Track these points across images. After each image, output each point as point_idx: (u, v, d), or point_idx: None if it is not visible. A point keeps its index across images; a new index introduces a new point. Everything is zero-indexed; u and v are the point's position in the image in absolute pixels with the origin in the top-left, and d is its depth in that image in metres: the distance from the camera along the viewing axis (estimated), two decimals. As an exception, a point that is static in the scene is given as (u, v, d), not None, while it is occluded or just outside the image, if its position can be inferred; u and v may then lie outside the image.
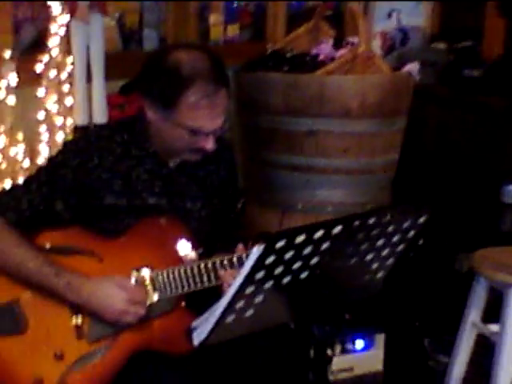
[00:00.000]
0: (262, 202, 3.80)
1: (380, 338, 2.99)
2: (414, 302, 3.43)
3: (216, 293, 2.18)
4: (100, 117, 3.69)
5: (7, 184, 3.52)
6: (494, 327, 2.88)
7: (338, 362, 2.80)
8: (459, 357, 2.97)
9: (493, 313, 2.89)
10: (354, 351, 2.95)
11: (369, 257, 2.04)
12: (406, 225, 2.03)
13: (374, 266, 2.09)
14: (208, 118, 2.22)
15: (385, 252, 2.06)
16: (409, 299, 3.38)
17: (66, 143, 2.40)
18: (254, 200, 3.80)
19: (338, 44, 3.83)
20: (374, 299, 2.25)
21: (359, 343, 2.96)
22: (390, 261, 2.11)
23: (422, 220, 2.05)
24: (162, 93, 2.21)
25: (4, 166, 3.60)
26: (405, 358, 3.22)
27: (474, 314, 2.93)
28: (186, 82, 2.19)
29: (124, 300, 2.16)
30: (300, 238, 1.82)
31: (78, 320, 2.21)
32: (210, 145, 2.27)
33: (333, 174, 3.66)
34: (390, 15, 4.75)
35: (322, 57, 3.76)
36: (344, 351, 2.89)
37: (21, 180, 2.34)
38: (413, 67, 3.85)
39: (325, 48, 3.80)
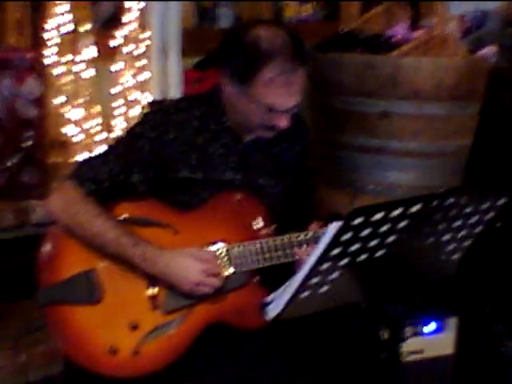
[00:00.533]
0: (333, 183, 3.80)
1: (452, 322, 2.97)
2: (488, 287, 3.38)
3: (289, 269, 2.19)
4: (175, 92, 3.72)
5: (83, 156, 3.58)
6: None
7: (409, 344, 2.78)
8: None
9: None
10: (425, 334, 2.94)
11: (445, 237, 2.02)
12: (484, 206, 2.01)
13: (451, 246, 2.07)
14: (283, 96, 2.22)
15: (462, 233, 2.04)
16: (482, 283, 3.34)
17: (144, 115, 2.42)
18: (324, 181, 3.80)
19: (413, 26, 3.79)
20: (448, 281, 2.24)
21: (430, 326, 2.94)
22: (467, 242, 2.09)
23: (500, 202, 2.03)
24: (240, 68, 2.22)
25: (80, 138, 3.66)
26: (476, 342, 3.18)
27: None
28: (265, 57, 2.19)
29: (199, 271, 2.18)
30: (378, 216, 1.81)
31: (153, 291, 2.23)
32: (283, 122, 2.27)
33: (404, 157, 3.64)
34: (466, -2, 4.68)
35: (396, 38, 3.74)
36: (415, 333, 2.88)
37: (99, 152, 2.36)
38: (489, 51, 3.80)
39: (400, 29, 3.77)
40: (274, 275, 2.23)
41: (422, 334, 2.93)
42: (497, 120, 4.30)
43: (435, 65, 3.56)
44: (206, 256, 2.22)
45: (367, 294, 2.11)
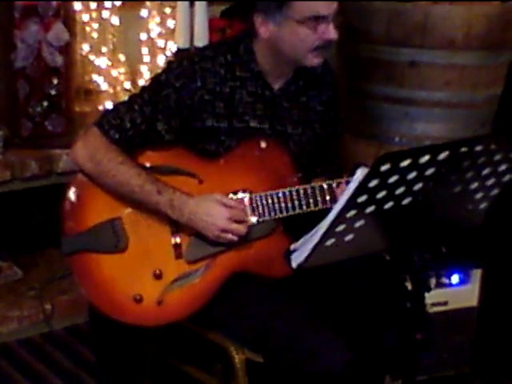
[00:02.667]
0: (360, 134, 3.76)
1: (476, 273, 2.95)
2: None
3: (314, 219, 2.17)
4: (201, 40, 3.68)
5: (108, 105, 3.57)
6: None
7: (433, 295, 2.77)
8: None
9: None
10: (450, 285, 2.92)
11: (473, 186, 1.99)
12: (513, 154, 1.97)
13: (478, 195, 2.04)
14: (326, 2, 2.19)
15: (490, 182, 2.01)
16: (509, 235, 3.31)
17: (169, 63, 2.40)
18: (351, 131, 3.76)
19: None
20: (474, 232, 2.21)
21: (455, 277, 2.92)
22: (495, 191, 2.05)
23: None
24: None
25: (106, 86, 3.65)
26: (501, 294, 3.17)
27: None
28: None
29: (225, 218, 2.18)
30: (405, 163, 1.78)
31: (176, 240, 2.23)
32: (332, 33, 2.22)
33: (433, 108, 3.59)
34: None
35: (427, -15, 3.66)
36: (439, 285, 2.87)
37: (124, 100, 2.35)
38: (522, -1, 3.71)
39: (430, -24, 3.69)
40: (298, 224, 2.22)
41: (446, 285, 2.91)
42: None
43: (466, 12, 3.49)
44: (231, 203, 2.21)
45: (393, 243, 2.09)
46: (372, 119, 3.70)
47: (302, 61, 2.28)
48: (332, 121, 2.51)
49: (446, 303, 2.94)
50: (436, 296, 2.86)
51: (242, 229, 2.20)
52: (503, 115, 3.80)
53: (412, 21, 3.48)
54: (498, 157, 1.94)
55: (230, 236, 2.19)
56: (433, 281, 2.81)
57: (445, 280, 2.89)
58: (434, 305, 2.86)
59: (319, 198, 2.25)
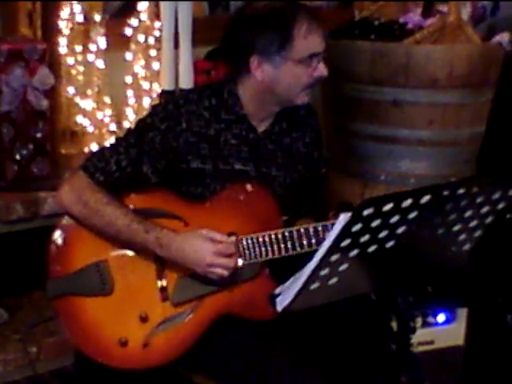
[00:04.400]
0: (345, 172, 3.79)
1: (462, 312, 2.96)
2: (499, 277, 3.37)
3: (300, 261, 2.17)
4: (186, 82, 3.71)
5: (94, 147, 3.58)
6: None
7: (419, 334, 2.76)
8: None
9: None
10: (436, 324, 2.93)
11: (456, 228, 2.00)
12: (495, 196, 1.99)
13: (461, 237, 2.05)
14: (320, 39, 2.26)
15: (473, 223, 2.02)
16: (493, 273, 3.33)
17: (154, 106, 2.42)
18: (336, 170, 3.79)
19: (426, 12, 3.76)
20: (458, 272, 2.22)
21: (441, 316, 2.93)
22: (478, 233, 2.07)
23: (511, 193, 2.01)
24: (274, 37, 2.23)
25: (91, 129, 3.66)
26: (486, 333, 3.17)
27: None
28: (290, 15, 2.22)
29: (212, 252, 2.18)
30: (388, 207, 1.80)
31: (163, 282, 2.24)
32: (325, 70, 2.29)
33: (417, 146, 3.63)
34: (481, -16, 4.65)
35: (410, 25, 3.71)
36: (425, 324, 2.88)
37: (109, 143, 2.36)
38: (503, 37, 3.77)
39: (413, 16, 3.75)
40: (284, 267, 2.22)
41: (432, 324, 2.92)
42: (510, 107, 4.27)
43: (448, 52, 3.55)
44: (218, 237, 2.22)
45: (378, 285, 2.10)
46: (357, 158, 3.74)
47: (293, 100, 2.32)
48: (316, 162, 2.53)
49: (432, 342, 2.95)
50: (422, 335, 2.87)
51: (230, 262, 2.20)
52: (487, 153, 3.83)
53: (395, 61, 3.53)
54: (480, 199, 1.96)
55: (219, 271, 2.19)
56: (419, 320, 2.81)
57: (431, 319, 2.90)
58: (420, 344, 2.87)
59: (305, 241, 2.26)
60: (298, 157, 2.45)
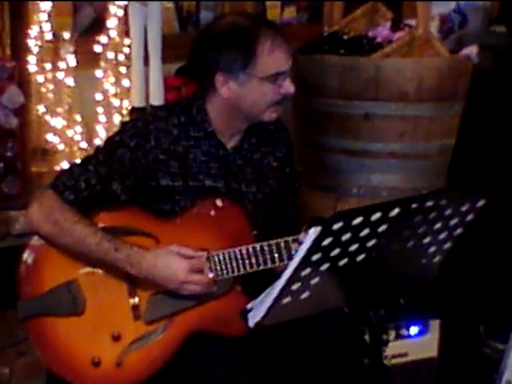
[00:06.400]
0: (317, 187, 3.79)
1: (435, 324, 2.97)
2: (471, 288, 3.39)
3: (272, 276, 2.17)
4: (156, 99, 3.71)
5: (65, 165, 3.57)
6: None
7: (393, 347, 2.78)
8: (516, 344, 2.93)
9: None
10: (409, 337, 2.94)
11: (426, 240, 2.02)
12: (463, 208, 2.00)
13: (431, 249, 2.06)
14: (285, 56, 2.26)
15: (442, 235, 2.04)
16: (465, 284, 3.35)
17: (123, 124, 2.41)
18: (308, 184, 3.79)
19: (395, 26, 3.79)
20: (430, 284, 2.23)
21: (414, 329, 2.94)
22: (447, 245, 2.08)
23: (480, 204, 2.02)
24: (237, 55, 2.23)
25: (62, 147, 3.65)
26: (460, 344, 3.18)
27: (532, 301, 2.89)
28: (253, 31, 2.23)
29: (184, 269, 2.18)
30: (357, 220, 1.80)
31: (135, 300, 2.22)
32: (291, 87, 2.28)
33: (388, 159, 3.65)
34: (449, -3, 4.70)
35: (379, 39, 3.74)
36: (398, 337, 2.88)
37: (79, 161, 2.36)
38: (471, 50, 3.80)
39: (382, 30, 3.77)
40: (256, 282, 2.22)
41: (405, 336, 2.93)
42: (480, 120, 4.30)
43: (417, 66, 3.57)
44: (190, 253, 2.21)
45: (350, 299, 2.10)
46: (329, 172, 3.74)
47: (260, 116, 2.32)
48: (288, 177, 2.53)
49: (405, 354, 2.96)
50: (396, 348, 2.87)
51: (203, 279, 2.20)
52: (457, 165, 3.85)
53: (365, 75, 3.55)
54: (448, 211, 1.97)
55: (192, 287, 2.19)
56: (392, 333, 2.82)
57: (404, 331, 2.91)
58: (393, 357, 2.87)
59: (276, 255, 2.26)
60: (269, 172, 2.45)
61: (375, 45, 3.71)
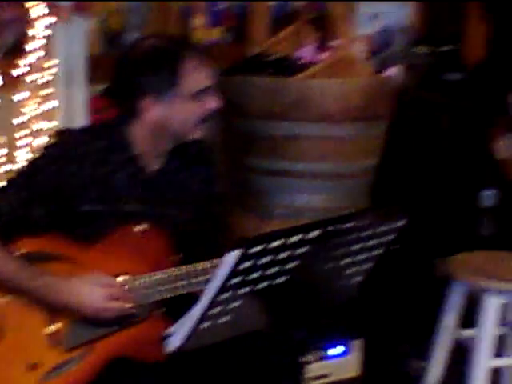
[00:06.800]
0: (243, 207, 3.80)
1: (357, 344, 2.99)
2: (392, 307, 3.43)
3: (193, 299, 2.17)
4: (81, 121, 3.67)
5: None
6: (469, 332, 2.88)
7: (315, 368, 2.79)
8: (435, 362, 2.97)
9: (469, 317, 2.88)
10: (331, 357, 2.95)
11: (345, 261, 2.04)
12: (382, 229, 2.03)
13: (351, 270, 2.09)
14: (208, 73, 2.28)
15: (361, 256, 2.06)
16: (386, 304, 3.39)
17: (46, 147, 2.38)
18: (234, 205, 3.80)
19: (320, 47, 3.83)
20: (351, 304, 2.25)
21: (336, 349, 2.95)
22: (367, 265, 2.11)
23: (398, 225, 2.05)
24: (162, 77, 2.23)
25: (-16, 170, 3.58)
26: (382, 363, 3.21)
27: (449, 319, 2.93)
28: (176, 52, 2.25)
29: (101, 297, 2.15)
30: (276, 243, 1.82)
31: (53, 327, 2.19)
32: (216, 101, 2.30)
33: (312, 179, 3.67)
34: (373, 18, 4.75)
35: (304, 60, 3.77)
36: (321, 357, 2.89)
37: (0, 184, 2.32)
38: (395, 71, 3.86)
39: (307, 51, 3.80)
40: (180, 305, 2.21)
41: (328, 357, 2.94)
42: (404, 139, 4.37)
43: (342, 86, 3.60)
44: (108, 281, 2.19)
45: (271, 321, 2.11)
46: (254, 192, 3.75)
47: (187, 135, 2.32)
48: (211, 199, 2.53)
49: (328, 375, 2.97)
50: (318, 369, 2.89)
51: (122, 305, 2.18)
52: (381, 184, 3.90)
53: (290, 95, 3.57)
54: (367, 232, 2.00)
55: (109, 314, 2.17)
56: (314, 354, 2.83)
57: (326, 352, 2.91)
58: (316, 378, 2.88)
59: (199, 279, 2.25)
60: (192, 194, 2.44)
61: (300, 66, 3.74)
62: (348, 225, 1.92)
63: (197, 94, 2.26)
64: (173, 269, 2.25)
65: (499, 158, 3.57)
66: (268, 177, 3.68)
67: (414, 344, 3.34)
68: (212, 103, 2.30)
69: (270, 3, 4.37)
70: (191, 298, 2.19)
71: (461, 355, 2.92)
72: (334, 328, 2.88)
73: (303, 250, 1.88)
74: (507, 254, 2.97)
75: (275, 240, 1.81)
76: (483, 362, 2.76)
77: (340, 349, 2.97)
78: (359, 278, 2.13)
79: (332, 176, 3.67)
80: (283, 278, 1.93)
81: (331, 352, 2.94)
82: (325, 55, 3.75)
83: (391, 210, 2.07)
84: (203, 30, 4.36)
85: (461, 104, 4.23)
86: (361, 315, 3.02)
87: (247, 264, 1.81)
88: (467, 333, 2.91)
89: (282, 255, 1.86)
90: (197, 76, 2.25)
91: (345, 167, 3.69)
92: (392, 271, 2.82)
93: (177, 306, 2.22)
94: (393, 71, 3.87)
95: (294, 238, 1.84)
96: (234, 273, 1.81)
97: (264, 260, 1.84)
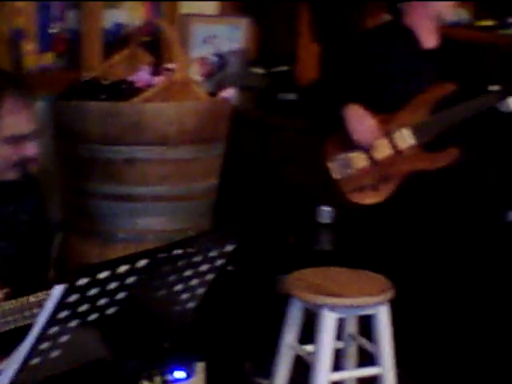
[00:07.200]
0: (83, 233, 3.75)
1: (200, 366, 3.00)
2: (234, 327, 3.46)
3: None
4: None
5: None
6: (310, 348, 2.94)
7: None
8: (278, 379, 3.01)
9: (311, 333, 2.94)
10: (175, 381, 2.94)
11: (177, 288, 2.04)
12: (212, 254, 2.05)
13: (184, 296, 2.10)
14: (26, 120, 2.24)
15: (193, 282, 2.07)
16: (228, 324, 3.41)
17: None
18: (74, 231, 3.75)
19: (155, 71, 3.83)
20: (191, 328, 2.26)
21: (179, 373, 2.95)
22: (200, 290, 2.13)
23: (228, 249, 2.08)
24: None
25: None
26: (226, 383, 3.24)
27: (290, 336, 2.98)
28: None
29: None
30: (103, 275, 1.80)
31: None
32: (32, 149, 2.26)
33: (153, 202, 3.67)
34: (207, 40, 4.80)
35: (139, 84, 3.76)
36: (164, 382, 2.88)
37: None
38: (230, 92, 3.91)
39: (142, 75, 3.79)
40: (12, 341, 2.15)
41: (172, 381, 2.93)
42: (242, 160, 4.43)
43: (177, 109, 3.62)
44: None
45: (110, 350, 2.09)
46: (94, 217, 3.71)
47: (1, 176, 2.28)
48: (40, 229, 2.49)
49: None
50: (161, 393, 2.88)
51: None
52: (222, 204, 3.93)
53: (126, 120, 3.56)
54: (197, 258, 2.01)
55: None
56: (158, 379, 2.82)
57: (169, 376, 2.91)
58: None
59: (27, 313, 2.20)
60: (20, 226, 2.40)
61: (135, 89, 3.72)
62: (176, 252, 1.93)
63: (10, 138, 2.22)
64: (5, 302, 2.20)
65: (334, 177, 3.66)
66: (109, 201, 3.65)
67: (258, 362, 3.37)
68: (28, 150, 2.26)
69: (103, 26, 4.34)
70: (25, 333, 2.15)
71: (305, 370, 2.96)
72: (175, 352, 2.87)
73: (133, 279, 1.87)
74: (342, 269, 3.05)
75: (102, 271, 1.79)
76: (322, 377, 2.82)
77: (183, 373, 2.97)
78: (194, 303, 2.14)
79: (172, 198, 3.68)
80: (115, 309, 1.91)
81: (174, 376, 2.93)
82: (160, 78, 3.75)
83: (220, 234, 2.10)
84: (34, 55, 4.27)
85: (295, 123, 4.32)
86: (202, 337, 3.03)
87: (75, 297, 1.78)
88: (308, 348, 2.96)
89: (111, 286, 1.84)
90: (12, 120, 2.22)
91: (185, 189, 3.70)
92: (233, 290, 2.84)
93: (9, 341, 2.17)
94: (228, 93, 3.92)
95: (122, 269, 1.83)
96: (61, 306, 1.78)
97: (92, 292, 1.81)
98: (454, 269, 3.39)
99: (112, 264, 1.81)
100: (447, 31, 3.78)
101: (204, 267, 2.06)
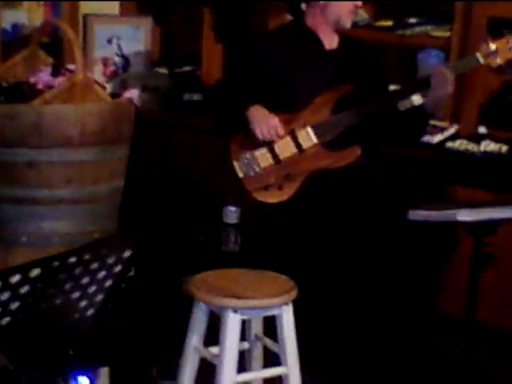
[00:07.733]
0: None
1: (103, 372, 2.96)
2: (139, 330, 3.44)
3: None
4: None
5: None
6: (215, 350, 2.94)
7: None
8: (183, 382, 3.00)
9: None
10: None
11: (75, 295, 2.03)
12: (110, 261, 2.03)
13: (83, 303, 2.08)
14: None
15: (92, 289, 2.06)
16: (133, 328, 3.39)
17: None
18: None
19: (56, 72, 3.77)
20: (94, 333, 2.23)
21: (83, 380, 2.90)
22: (99, 297, 2.11)
23: (126, 254, 2.06)
24: None
25: None
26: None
27: (195, 338, 2.97)
28: None
29: None
30: (-5, 285, 1.77)
31: None
32: None
33: (58, 205, 3.61)
34: (110, 41, 4.75)
35: (40, 85, 3.70)
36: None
37: None
38: (133, 93, 3.87)
39: (43, 76, 3.73)
40: None
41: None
42: (147, 161, 4.40)
43: (78, 111, 3.57)
44: None
45: (11, 358, 2.06)
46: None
47: None
48: None
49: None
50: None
51: None
52: (128, 205, 3.90)
53: (26, 122, 3.49)
54: (94, 266, 1.99)
55: None
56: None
57: (73, 382, 2.86)
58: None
59: None
60: None
61: (36, 91, 3.66)
62: (71, 260, 1.91)
63: None
64: None
65: (239, 176, 3.68)
66: (11, 205, 3.59)
67: (164, 365, 3.36)
68: None
69: (0, 27, 4.25)
70: None
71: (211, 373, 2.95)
72: (79, 359, 2.83)
73: (27, 288, 1.84)
74: (246, 270, 3.05)
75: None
76: (228, 379, 2.82)
77: (87, 379, 2.92)
78: (93, 310, 2.12)
79: (77, 200, 3.63)
80: (8, 319, 1.88)
81: (79, 381, 2.88)
82: (60, 80, 3.69)
83: (118, 240, 2.08)
84: None
85: (200, 123, 4.31)
86: (105, 342, 2.99)
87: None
88: (213, 350, 2.96)
89: (3, 296, 1.81)
90: None
91: (88, 191, 3.66)
92: (138, 294, 2.82)
93: None
94: (132, 93, 3.88)
95: (15, 279, 1.80)
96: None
97: (-16, 302, 1.78)
98: (357, 267, 3.43)
99: (2, 275, 1.77)
100: (347, 31, 3.83)
101: (101, 274, 2.04)
